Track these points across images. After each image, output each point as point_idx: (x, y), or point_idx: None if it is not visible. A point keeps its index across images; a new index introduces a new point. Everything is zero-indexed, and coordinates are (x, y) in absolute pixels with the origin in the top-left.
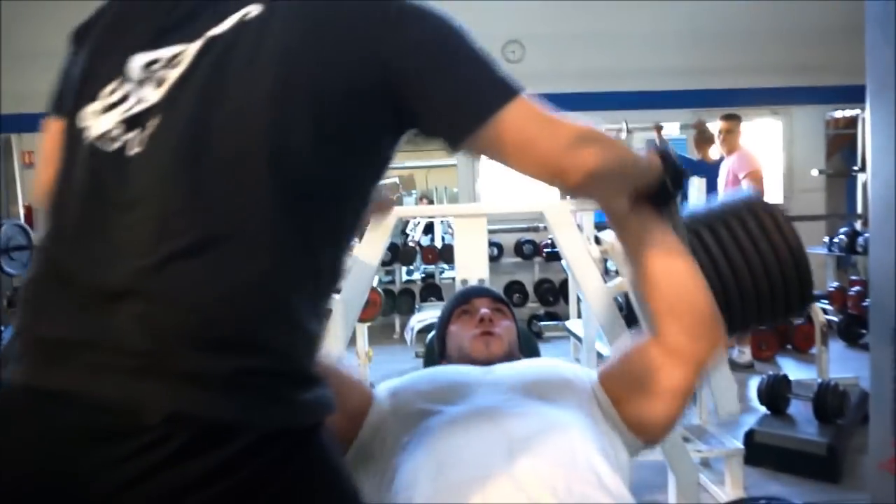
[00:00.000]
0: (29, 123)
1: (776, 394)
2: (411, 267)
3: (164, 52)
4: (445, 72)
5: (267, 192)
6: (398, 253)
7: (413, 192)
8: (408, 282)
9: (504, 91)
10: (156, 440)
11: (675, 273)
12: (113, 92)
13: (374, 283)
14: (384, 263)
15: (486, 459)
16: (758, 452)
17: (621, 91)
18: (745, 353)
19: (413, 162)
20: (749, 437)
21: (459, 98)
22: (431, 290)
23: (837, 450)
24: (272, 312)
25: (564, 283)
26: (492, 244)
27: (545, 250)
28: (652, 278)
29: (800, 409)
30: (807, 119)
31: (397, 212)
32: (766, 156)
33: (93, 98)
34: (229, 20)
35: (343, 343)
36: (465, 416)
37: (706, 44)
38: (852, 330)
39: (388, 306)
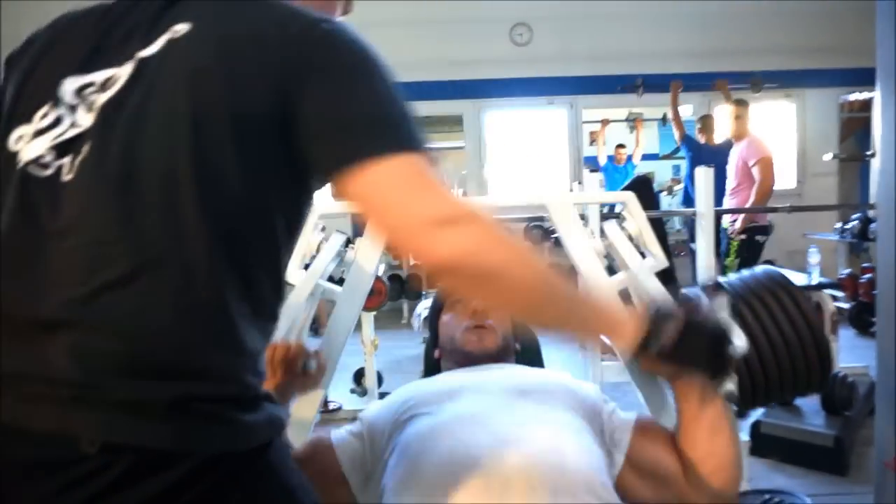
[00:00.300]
0: None
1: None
2: None
3: (97, 76)
4: (332, 102)
5: (197, 217)
6: None
7: None
8: (416, 266)
9: (385, 140)
10: (95, 469)
11: (718, 450)
12: (44, 116)
13: (382, 269)
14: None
15: (469, 460)
16: (764, 444)
17: (631, 74)
18: None
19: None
20: (755, 428)
21: (338, 132)
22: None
23: (845, 442)
24: (208, 338)
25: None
26: None
27: (553, 236)
28: (694, 447)
29: (807, 400)
30: (820, 102)
31: None
32: (778, 140)
33: (26, 121)
34: (160, 41)
35: (345, 335)
36: (451, 417)
37: (717, 25)
38: (863, 318)
39: (396, 291)
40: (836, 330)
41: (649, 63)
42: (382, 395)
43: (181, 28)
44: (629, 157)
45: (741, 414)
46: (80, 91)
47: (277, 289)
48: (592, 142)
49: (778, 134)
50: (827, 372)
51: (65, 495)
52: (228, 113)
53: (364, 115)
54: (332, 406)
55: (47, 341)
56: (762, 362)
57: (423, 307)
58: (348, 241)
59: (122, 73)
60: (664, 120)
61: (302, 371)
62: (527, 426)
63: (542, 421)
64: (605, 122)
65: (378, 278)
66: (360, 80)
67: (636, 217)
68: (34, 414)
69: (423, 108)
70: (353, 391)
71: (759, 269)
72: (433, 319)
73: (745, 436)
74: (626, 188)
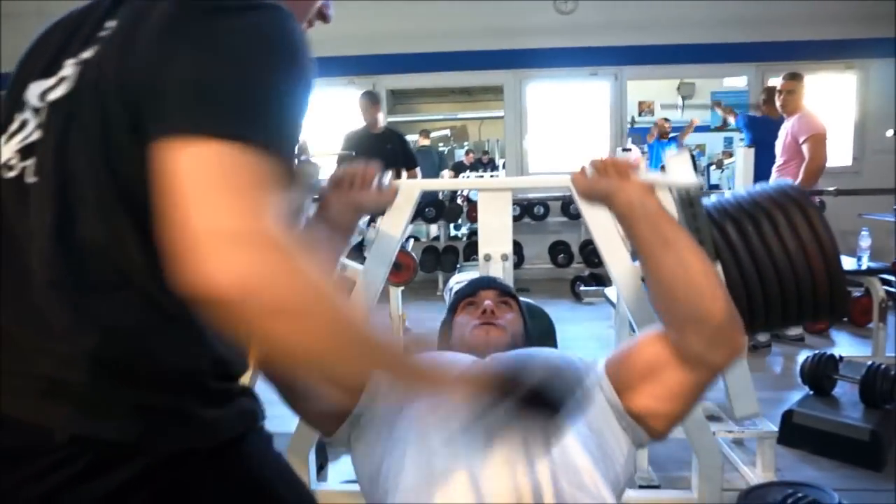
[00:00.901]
0: None
1: (820, 374)
2: (459, 222)
3: (54, 79)
4: (177, 68)
5: (119, 216)
6: (443, 210)
7: (465, 144)
8: (453, 238)
9: (207, 117)
10: (63, 459)
11: (692, 277)
12: (14, 120)
13: (412, 244)
14: (429, 220)
15: (468, 451)
16: (795, 434)
17: (679, 44)
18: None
19: (465, 114)
20: (787, 417)
21: (166, 97)
22: (475, 248)
23: (882, 437)
24: (168, 341)
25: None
26: (538, 203)
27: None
28: (666, 282)
29: (846, 390)
30: (884, 74)
31: (421, 185)
32: (835, 114)
33: (3, 129)
34: (96, 38)
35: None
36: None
37: None
38: None
39: (432, 263)
40: (885, 317)
41: (698, 32)
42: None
43: (109, 25)
44: (674, 139)
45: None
46: (43, 95)
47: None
48: (642, 112)
49: (835, 108)
50: (838, 295)
51: (33, 483)
52: (119, 111)
53: (191, 81)
54: None
55: (21, 339)
56: (761, 279)
57: (455, 281)
58: (371, 220)
59: (70, 75)
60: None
61: (377, 188)
62: None
63: None
64: (692, 123)
65: (406, 253)
66: (212, 45)
67: (664, 198)
68: (13, 404)
69: (462, 79)
70: None
71: (773, 182)
72: (448, 320)
73: (772, 425)
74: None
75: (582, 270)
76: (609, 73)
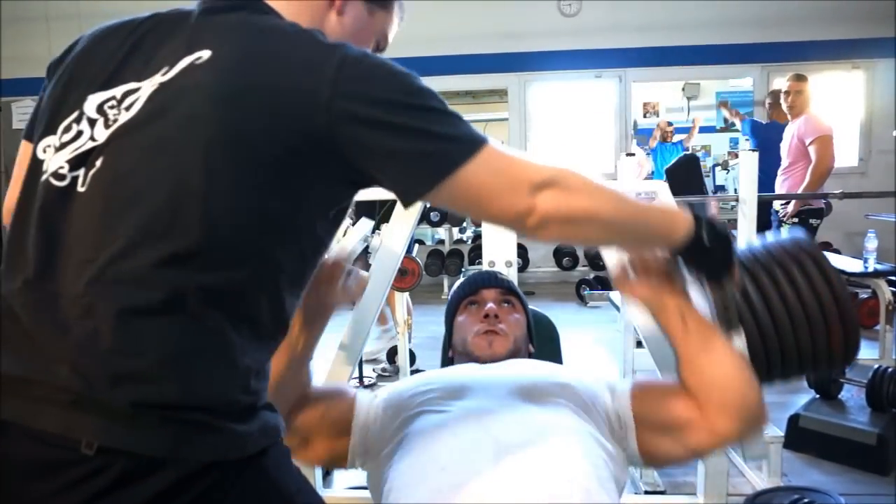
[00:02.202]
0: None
1: (826, 377)
2: (464, 226)
3: (117, 91)
4: (394, 131)
5: (197, 245)
6: (448, 213)
7: None
8: (458, 241)
9: (460, 148)
10: (92, 471)
11: (728, 379)
12: (68, 129)
13: (416, 249)
14: (434, 224)
15: (471, 465)
16: (801, 438)
17: (683, 45)
18: None
19: (470, 116)
20: (793, 421)
21: (409, 161)
22: (479, 251)
23: (889, 441)
24: (200, 356)
25: None
26: None
27: None
28: (700, 380)
29: (853, 393)
30: (891, 74)
31: None
32: (840, 115)
33: (52, 131)
34: (180, 65)
35: (371, 319)
36: (457, 418)
37: None
38: None
39: (437, 267)
40: (892, 320)
41: (703, 33)
42: (414, 374)
43: (203, 55)
44: (680, 142)
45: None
46: (101, 106)
47: (280, 311)
48: (646, 113)
49: (841, 108)
50: (851, 345)
51: (64, 495)
52: (244, 144)
53: (429, 135)
54: (367, 381)
55: (50, 348)
56: (778, 331)
57: (458, 285)
58: (376, 227)
59: (142, 93)
60: (721, 106)
61: (342, 287)
62: (528, 432)
63: (545, 427)
64: (696, 122)
65: (412, 258)
66: (409, 100)
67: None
68: (39, 415)
69: (466, 82)
70: (384, 370)
71: (786, 234)
72: (449, 320)
73: (778, 430)
74: (673, 167)
75: (587, 273)
76: (613, 75)
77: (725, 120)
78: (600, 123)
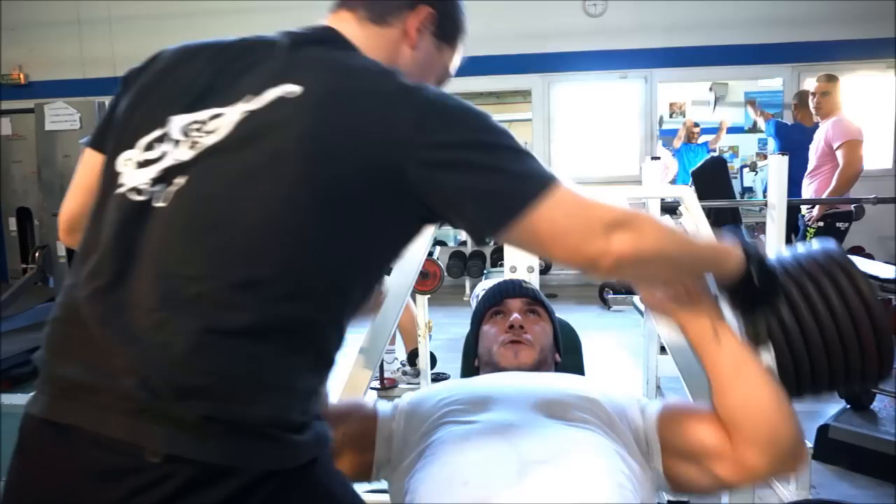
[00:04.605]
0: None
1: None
2: None
3: (203, 115)
4: (468, 170)
5: (275, 271)
6: None
7: None
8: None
9: (533, 186)
10: (157, 479)
11: (762, 407)
12: (150, 147)
13: (438, 251)
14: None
15: (494, 480)
16: (831, 449)
17: (711, 45)
18: None
19: (494, 116)
20: (822, 431)
21: (481, 198)
22: (501, 253)
23: None
24: (265, 381)
25: None
26: None
27: None
28: (733, 406)
29: (885, 404)
30: None
31: None
32: (874, 116)
33: (130, 145)
34: (268, 94)
35: (392, 323)
36: (481, 431)
37: None
38: None
39: (459, 268)
40: None
41: (731, 33)
42: (435, 377)
43: (293, 90)
44: (706, 143)
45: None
46: (186, 128)
47: (340, 338)
48: (672, 114)
49: (875, 110)
50: (886, 363)
51: (128, 500)
52: (328, 183)
53: (504, 173)
54: (388, 384)
55: (117, 358)
56: (808, 347)
57: (481, 287)
58: None
59: (227, 119)
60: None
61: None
62: (553, 449)
63: (570, 444)
64: (723, 125)
65: (433, 261)
66: (483, 140)
67: (693, 213)
68: (104, 421)
69: (490, 83)
70: (405, 373)
71: (817, 246)
72: (474, 330)
73: (807, 441)
74: (699, 169)
75: None
76: (639, 75)
77: (755, 123)
78: (625, 125)
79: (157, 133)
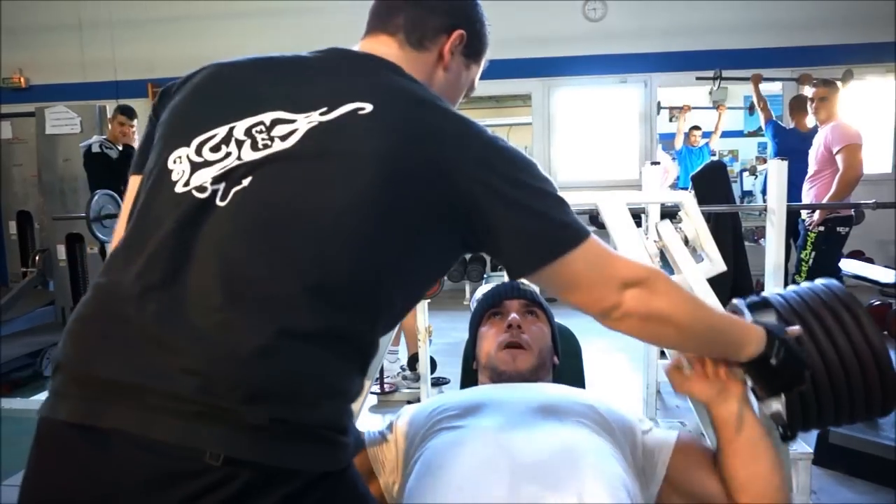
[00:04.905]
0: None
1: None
2: None
3: (264, 118)
4: (519, 208)
5: (335, 284)
6: None
7: None
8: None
9: (571, 236)
10: (218, 482)
11: (769, 488)
12: (217, 148)
13: None
14: None
15: (487, 485)
16: (831, 454)
17: (711, 50)
18: None
19: (493, 120)
20: (822, 437)
21: (526, 238)
22: None
23: None
24: (324, 381)
25: None
26: None
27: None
28: (734, 468)
29: None
30: None
31: None
32: (874, 120)
33: (186, 143)
34: (342, 108)
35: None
36: (473, 436)
37: None
38: None
39: (459, 273)
40: None
41: (730, 38)
42: (435, 381)
43: (365, 107)
44: (706, 145)
45: (788, 437)
46: (249, 130)
47: (377, 349)
48: (671, 118)
49: (875, 114)
50: (890, 400)
51: None
52: (393, 203)
53: (546, 220)
54: (388, 388)
55: (172, 358)
56: (815, 385)
57: (481, 292)
58: None
59: (298, 126)
60: (751, 109)
61: None
62: (545, 451)
63: (563, 446)
64: (685, 108)
65: None
66: (530, 186)
67: (693, 218)
68: (157, 425)
69: (490, 87)
70: (405, 378)
71: (819, 281)
72: (473, 332)
73: (808, 446)
74: (699, 173)
75: None
76: (639, 80)
77: (759, 129)
78: (625, 128)
79: (215, 132)
